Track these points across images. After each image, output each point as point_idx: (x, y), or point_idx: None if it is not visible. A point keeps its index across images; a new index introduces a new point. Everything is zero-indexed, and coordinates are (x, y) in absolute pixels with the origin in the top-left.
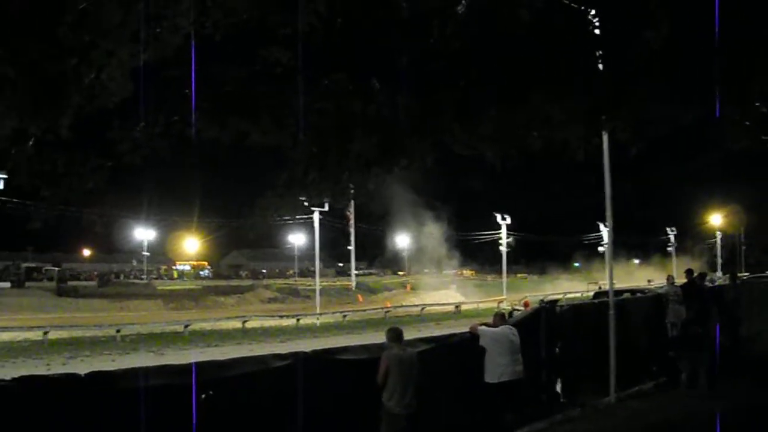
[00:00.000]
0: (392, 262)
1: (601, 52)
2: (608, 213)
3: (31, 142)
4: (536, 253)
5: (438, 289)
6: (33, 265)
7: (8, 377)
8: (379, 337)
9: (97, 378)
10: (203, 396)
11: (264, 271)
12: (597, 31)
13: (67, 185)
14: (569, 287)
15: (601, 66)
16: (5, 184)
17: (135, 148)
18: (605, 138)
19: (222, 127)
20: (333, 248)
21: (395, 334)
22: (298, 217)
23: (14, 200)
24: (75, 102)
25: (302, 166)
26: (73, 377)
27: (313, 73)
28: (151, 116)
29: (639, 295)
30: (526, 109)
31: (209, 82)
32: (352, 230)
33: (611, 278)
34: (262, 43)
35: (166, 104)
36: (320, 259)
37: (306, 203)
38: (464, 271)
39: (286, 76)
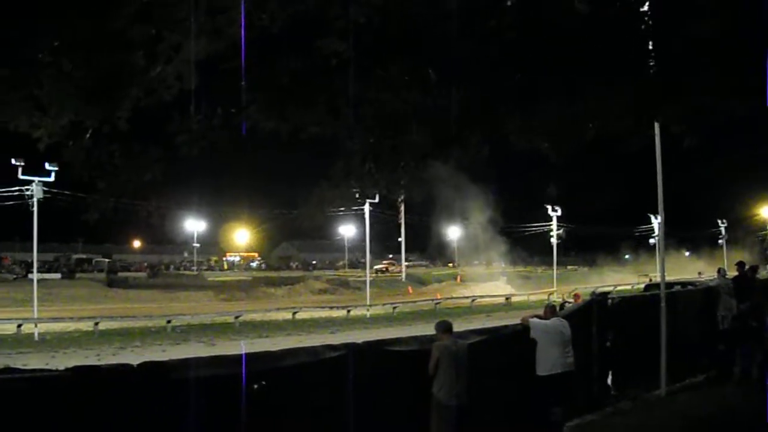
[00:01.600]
0: (442, 254)
1: (652, 45)
2: (660, 205)
3: (88, 135)
4: (586, 245)
5: (488, 281)
6: (83, 256)
7: (60, 367)
8: (429, 329)
9: (149, 368)
10: (255, 386)
11: (314, 262)
12: (649, 23)
13: (124, 177)
14: (619, 279)
15: (653, 59)
16: (55, 176)
17: (193, 140)
18: (657, 129)
19: (279, 119)
20: (383, 240)
21: (445, 327)
22: (348, 208)
23: (65, 192)
24: (133, 94)
25: (359, 157)
26: (125, 367)
27: (369, 64)
28: (209, 108)
29: (690, 287)
30: (580, 101)
31: (266, 74)
32: (402, 222)
33: (663, 270)
34: (319, 35)
35: (224, 96)
36: (370, 251)
37: (357, 195)
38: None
39: (342, 68)
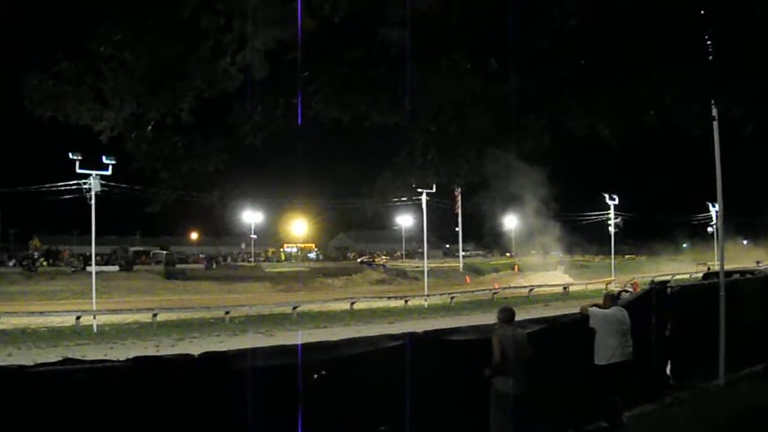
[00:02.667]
0: (498, 244)
1: (713, 30)
2: (719, 192)
3: (150, 127)
4: (644, 234)
5: (545, 270)
6: (141, 248)
7: (120, 358)
8: (487, 318)
9: (210, 358)
10: (315, 376)
11: (371, 252)
12: (710, 6)
13: (187, 168)
14: (677, 268)
15: (714, 44)
16: (112, 170)
17: (255, 130)
18: (715, 114)
19: (341, 108)
20: (439, 229)
21: (509, 315)
22: (405, 198)
23: (122, 185)
24: (196, 86)
25: (421, 146)
26: (187, 357)
27: (430, 52)
28: (271, 98)
29: (748, 276)
30: (642, 87)
31: (328, 64)
32: (459, 211)
33: (722, 259)
34: (380, 24)
35: (286, 86)
36: (427, 241)
37: (415, 185)
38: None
39: (403, 56)
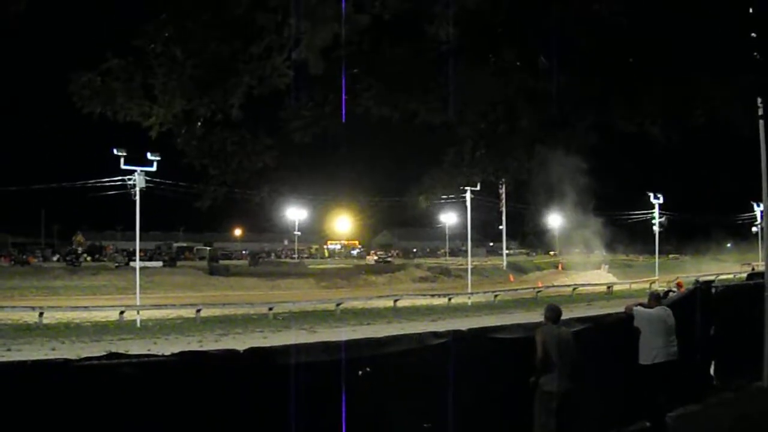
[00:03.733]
0: (541, 242)
1: (759, 30)
2: (764, 192)
3: (200, 123)
4: (688, 233)
5: (589, 269)
6: (184, 244)
7: (165, 353)
8: (530, 317)
9: (255, 353)
10: (360, 372)
11: (415, 250)
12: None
13: (236, 164)
14: (722, 268)
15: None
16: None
17: (305, 126)
18: (762, 113)
19: (391, 106)
20: (483, 227)
21: (555, 313)
22: (449, 196)
23: (167, 181)
24: (246, 83)
25: (470, 143)
26: (232, 353)
27: (479, 50)
28: (320, 95)
29: None
30: (690, 87)
31: (379, 61)
32: (504, 209)
33: (767, 259)
34: (430, 22)
35: (335, 83)
36: (471, 239)
37: (462, 183)
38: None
39: (452, 54)
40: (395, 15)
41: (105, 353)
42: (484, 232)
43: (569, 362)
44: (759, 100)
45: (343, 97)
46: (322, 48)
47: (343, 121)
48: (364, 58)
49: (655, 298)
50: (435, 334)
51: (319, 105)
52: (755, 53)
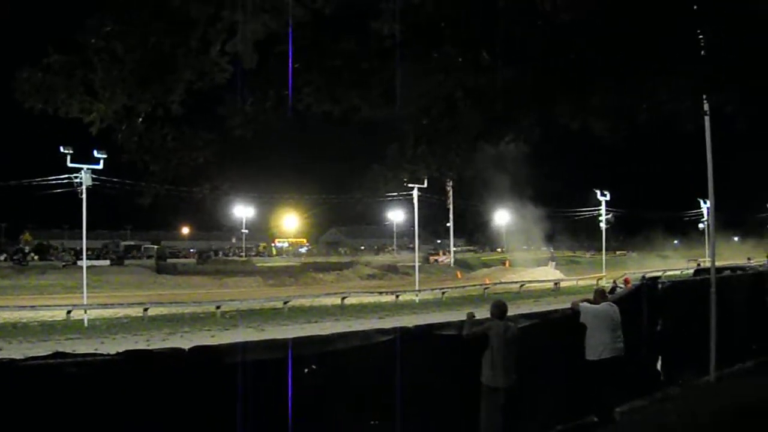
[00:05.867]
0: (489, 239)
1: (707, 25)
2: (710, 189)
3: (140, 119)
4: (635, 230)
5: (536, 266)
6: (132, 243)
7: (111, 352)
8: (478, 314)
9: (200, 352)
10: (306, 370)
11: (362, 247)
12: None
13: (176, 160)
14: (669, 264)
15: (707, 39)
16: (104, 164)
17: (245, 122)
18: (707, 109)
19: (332, 101)
20: (431, 225)
21: (500, 309)
22: (396, 193)
23: (114, 180)
24: (186, 78)
25: (412, 139)
26: (177, 352)
27: (423, 45)
28: (261, 91)
29: (739, 272)
30: (635, 82)
31: (319, 56)
32: (450, 207)
33: (713, 255)
34: (373, 16)
35: (277, 78)
36: (418, 236)
37: (406, 179)
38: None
39: (395, 49)
40: (337, 9)
41: (52, 353)
42: (432, 230)
43: (514, 358)
44: (704, 96)
45: (290, 92)
46: (255, 41)
47: (289, 115)
48: (304, 53)
49: (601, 294)
50: (381, 331)
51: (259, 100)
52: (700, 48)
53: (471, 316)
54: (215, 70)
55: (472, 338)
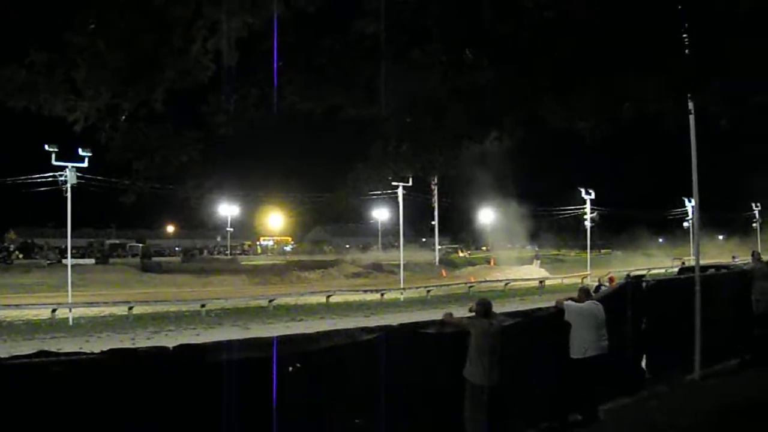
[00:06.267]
0: (474, 238)
1: (687, 26)
2: (695, 188)
3: (123, 117)
4: (620, 229)
5: (521, 265)
6: (117, 241)
7: (96, 351)
8: (463, 312)
9: (185, 351)
10: (290, 368)
11: (348, 246)
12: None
13: (160, 158)
14: (653, 263)
15: (690, 38)
16: (89, 162)
17: (229, 120)
18: (691, 109)
19: (316, 100)
20: (416, 223)
21: (484, 308)
22: (381, 192)
23: (98, 178)
24: (169, 76)
25: (395, 138)
26: (161, 350)
27: (406, 44)
28: (245, 89)
29: (724, 271)
30: (619, 81)
31: (303, 55)
32: (435, 205)
33: (698, 254)
34: (356, 15)
35: (261, 76)
36: (403, 234)
37: (391, 178)
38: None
39: (378, 48)
40: (320, 7)
41: (36, 351)
42: (417, 228)
43: (498, 356)
44: (688, 95)
45: (275, 90)
46: (237, 39)
47: (274, 113)
48: (287, 51)
49: (586, 293)
50: (366, 330)
51: (241, 99)
52: (684, 47)
53: (449, 316)
54: (198, 68)
55: (452, 325)
